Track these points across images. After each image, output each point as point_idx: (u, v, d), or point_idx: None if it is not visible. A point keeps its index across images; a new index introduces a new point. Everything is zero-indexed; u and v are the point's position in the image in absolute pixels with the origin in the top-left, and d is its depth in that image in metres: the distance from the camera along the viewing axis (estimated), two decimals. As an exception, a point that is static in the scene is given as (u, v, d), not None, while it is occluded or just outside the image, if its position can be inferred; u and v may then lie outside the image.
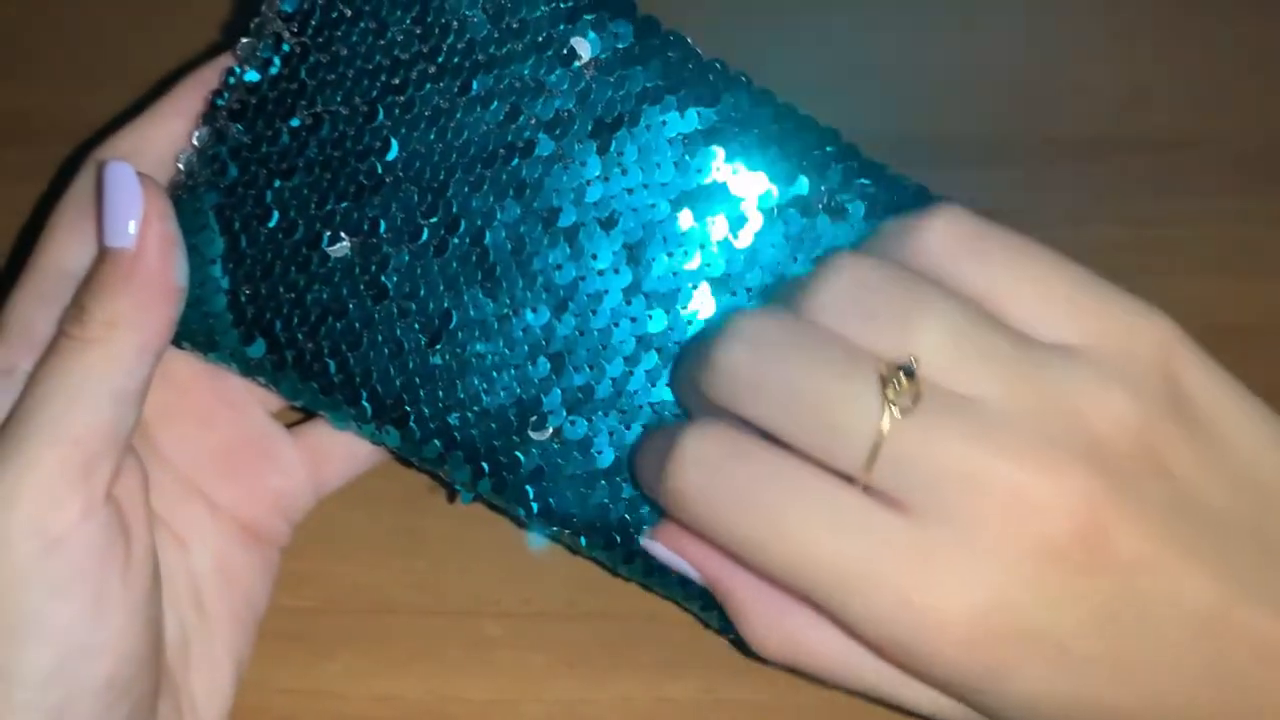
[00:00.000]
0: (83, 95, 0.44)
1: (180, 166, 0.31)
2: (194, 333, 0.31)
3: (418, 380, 0.31)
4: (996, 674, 0.26)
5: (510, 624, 0.36)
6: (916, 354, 0.26)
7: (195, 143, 0.31)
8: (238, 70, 0.31)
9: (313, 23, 0.31)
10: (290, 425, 0.35)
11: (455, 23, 0.31)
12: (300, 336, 0.31)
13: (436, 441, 0.31)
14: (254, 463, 0.34)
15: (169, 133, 0.31)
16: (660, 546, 0.30)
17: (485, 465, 0.32)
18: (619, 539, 0.32)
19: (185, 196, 0.31)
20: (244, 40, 0.31)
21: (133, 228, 0.29)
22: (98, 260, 0.29)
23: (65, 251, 0.30)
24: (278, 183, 0.31)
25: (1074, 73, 0.46)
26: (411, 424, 0.31)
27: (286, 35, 0.31)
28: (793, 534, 0.26)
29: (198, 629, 0.32)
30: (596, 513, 0.32)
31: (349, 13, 0.31)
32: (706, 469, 0.27)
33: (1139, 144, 0.45)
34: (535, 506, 0.32)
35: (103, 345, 0.28)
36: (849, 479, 0.26)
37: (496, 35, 0.31)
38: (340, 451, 0.35)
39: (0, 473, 0.27)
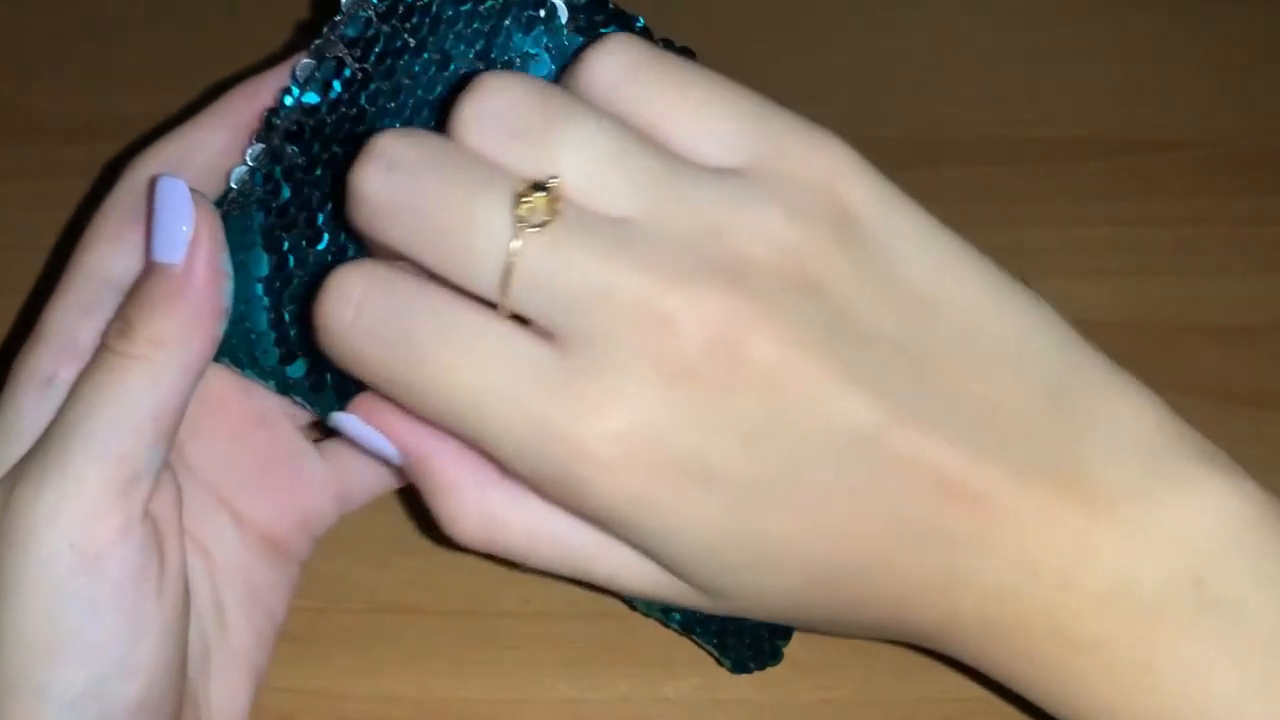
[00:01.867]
0: (86, 97, 0.44)
1: (232, 183, 0.31)
2: (234, 349, 0.31)
3: None
4: (650, 504, 0.25)
5: (510, 624, 0.37)
6: (558, 173, 0.25)
7: (249, 160, 0.31)
8: (295, 91, 0.31)
9: (376, 50, 0.31)
10: (317, 441, 0.35)
11: (518, 60, 0.31)
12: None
13: None
14: (282, 478, 0.34)
15: (214, 144, 0.31)
16: (353, 420, 0.28)
17: None
18: None
19: (235, 213, 0.31)
20: (303, 61, 0.31)
21: (183, 244, 0.28)
22: (144, 274, 0.29)
23: (107, 260, 0.30)
24: (330, 206, 0.31)
25: (1071, 74, 0.47)
26: None
27: (348, 61, 0.31)
28: (438, 368, 0.25)
29: (218, 640, 0.32)
30: None
31: (413, 43, 0.31)
32: (351, 305, 0.26)
33: (1136, 145, 0.45)
34: None
35: (147, 363, 0.28)
36: (494, 307, 0.25)
37: (557, 74, 0.30)
38: (366, 470, 0.35)
39: (42, 488, 0.27)
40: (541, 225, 0.24)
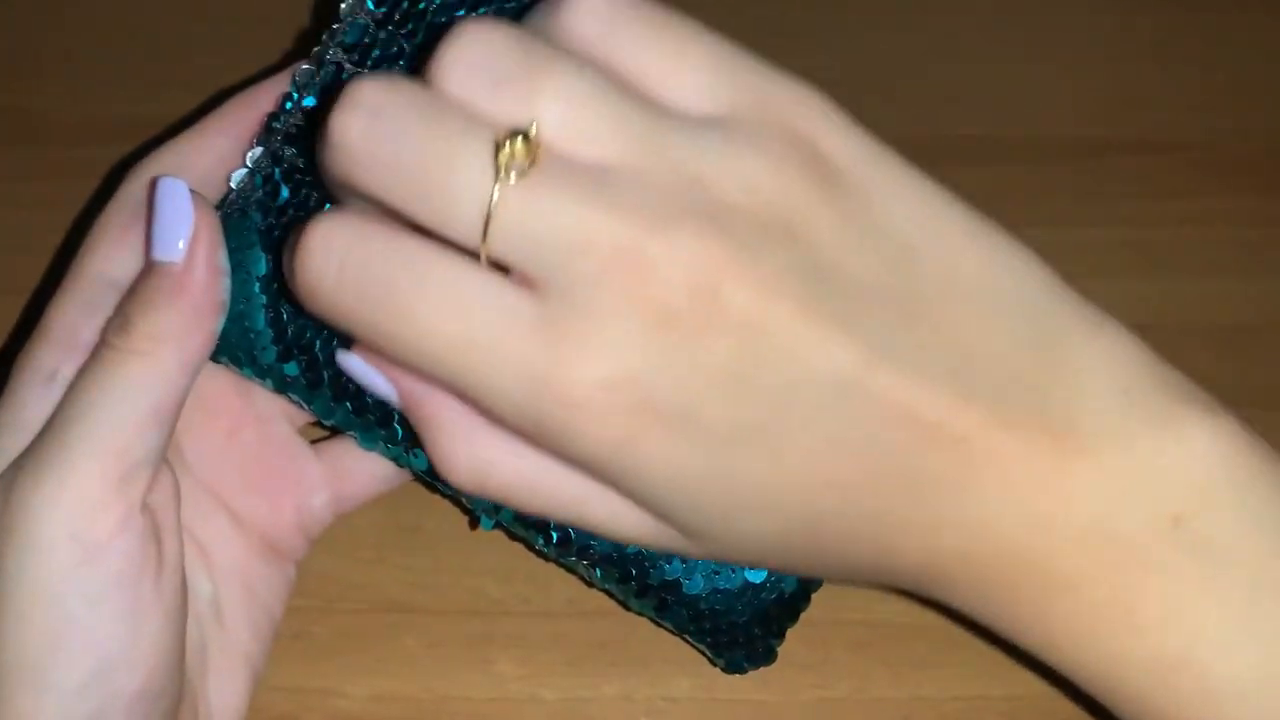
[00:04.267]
0: (87, 97, 0.44)
1: (232, 185, 0.31)
2: (232, 347, 0.31)
3: None
4: (632, 449, 0.25)
5: (510, 624, 0.37)
6: (539, 119, 0.25)
7: (249, 162, 0.31)
8: (295, 95, 0.31)
9: (373, 55, 0.31)
10: (314, 441, 0.36)
11: None
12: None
13: None
14: (277, 477, 0.34)
15: (216, 148, 0.32)
16: (355, 360, 0.29)
17: None
18: (634, 572, 0.32)
19: (235, 214, 0.31)
20: (303, 67, 0.31)
21: (182, 244, 0.29)
22: (144, 272, 0.29)
23: (108, 260, 0.30)
24: (329, 207, 0.31)
25: (1071, 74, 0.47)
26: None
27: (346, 66, 0.31)
28: (419, 317, 0.25)
29: (216, 637, 0.32)
30: (614, 545, 0.32)
31: (409, 48, 0.31)
32: (330, 255, 0.26)
33: (1136, 145, 0.45)
34: (555, 535, 0.32)
35: (146, 358, 0.28)
36: (475, 256, 0.25)
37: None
38: (362, 471, 0.35)
39: (41, 480, 0.27)
40: (521, 173, 0.24)
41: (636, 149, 0.25)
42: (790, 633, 0.34)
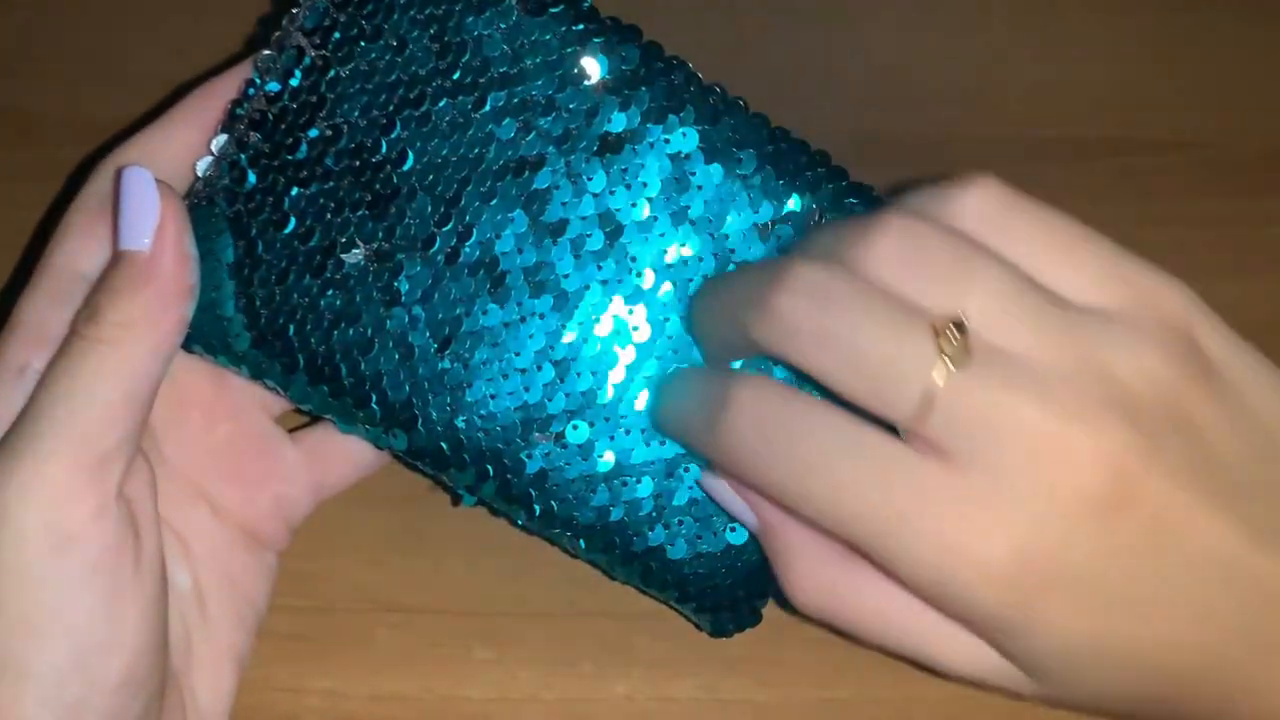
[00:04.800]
0: (86, 97, 0.44)
1: (198, 173, 0.32)
2: (205, 336, 0.32)
3: (427, 385, 0.32)
4: (1027, 611, 0.27)
5: (510, 624, 0.37)
6: (966, 311, 0.27)
7: (214, 150, 0.32)
8: (258, 81, 0.32)
9: (334, 37, 0.32)
10: (292, 430, 0.36)
11: (471, 41, 0.32)
12: (313, 341, 0.32)
13: (443, 445, 0.32)
14: (255, 466, 0.35)
15: (182, 140, 0.32)
16: (722, 485, 0.31)
17: (490, 469, 0.32)
18: (617, 541, 0.33)
19: (203, 202, 0.32)
20: (265, 53, 0.32)
21: (149, 231, 0.29)
22: (112, 262, 0.29)
23: (79, 253, 0.31)
24: (295, 190, 0.32)
25: (1071, 74, 0.47)
26: (419, 427, 0.32)
27: (308, 49, 0.32)
28: (842, 485, 0.27)
29: (200, 628, 0.33)
30: (596, 516, 0.32)
31: (369, 30, 0.32)
32: (760, 421, 0.28)
33: (1137, 145, 0.45)
34: (537, 509, 0.32)
35: (116, 345, 0.28)
36: (894, 431, 0.27)
37: (510, 54, 0.32)
38: (341, 456, 0.36)
39: (14, 470, 0.28)
40: (959, 361, 0.26)
41: (1051, 340, 0.27)
42: (790, 633, 0.34)
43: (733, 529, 0.33)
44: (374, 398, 0.32)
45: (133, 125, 0.33)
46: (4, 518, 0.27)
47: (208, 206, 0.32)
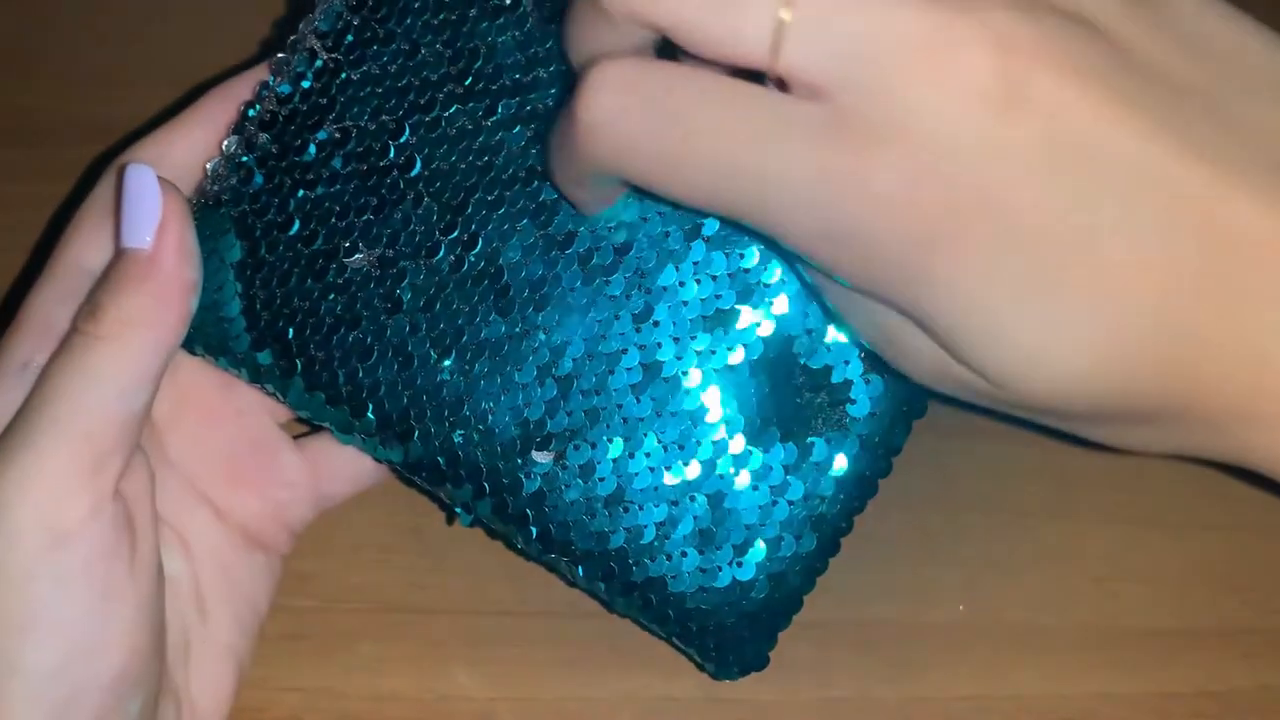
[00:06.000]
0: (88, 98, 0.44)
1: (207, 172, 0.32)
2: (207, 336, 0.31)
3: (425, 396, 0.31)
4: (935, 246, 0.24)
5: (510, 624, 0.37)
6: None
7: (224, 150, 0.32)
8: (271, 82, 0.32)
9: (347, 40, 0.31)
10: (297, 437, 0.36)
11: (484, 48, 0.31)
12: (312, 345, 0.31)
13: (440, 459, 0.32)
14: (257, 470, 0.34)
15: (193, 142, 0.32)
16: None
17: (487, 486, 0.32)
18: (616, 569, 0.32)
19: (209, 202, 0.31)
20: (279, 55, 0.32)
21: (151, 229, 0.29)
22: (114, 259, 0.29)
23: (86, 251, 0.31)
24: (301, 193, 0.31)
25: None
26: (416, 439, 0.32)
27: (321, 52, 0.31)
28: (707, 138, 0.25)
29: (199, 630, 0.32)
30: (595, 541, 0.32)
31: (382, 33, 0.31)
32: (617, 91, 0.25)
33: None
34: (534, 530, 0.32)
35: (116, 342, 0.28)
36: (759, 78, 0.24)
37: (524, 62, 0.31)
38: (344, 467, 0.35)
39: (10, 466, 0.27)
40: None
41: None
42: (790, 633, 0.34)
43: (739, 564, 0.32)
44: (371, 406, 0.31)
45: (143, 126, 0.33)
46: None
47: (214, 206, 0.31)
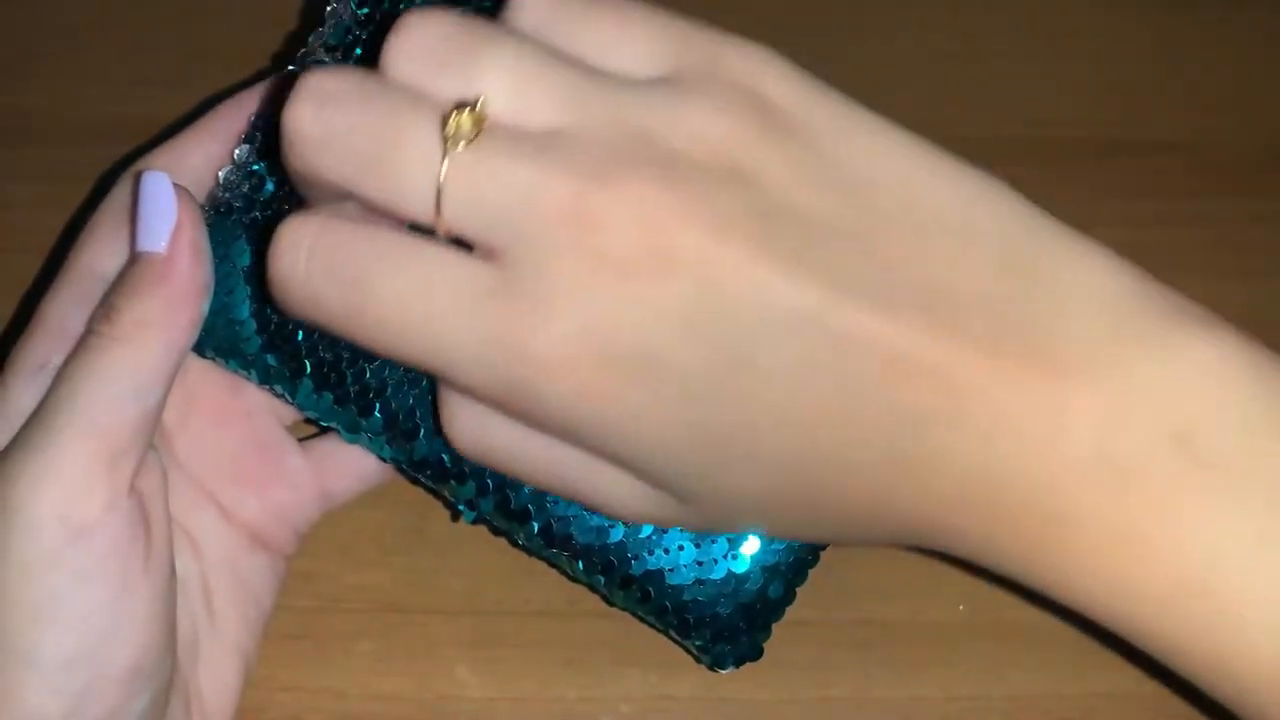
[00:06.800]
0: (90, 98, 0.44)
1: (219, 179, 0.32)
2: (218, 339, 0.32)
3: (431, 396, 0.31)
4: (602, 404, 0.25)
5: (510, 624, 0.37)
6: (484, 94, 0.25)
7: (235, 158, 0.32)
8: None
9: (356, 54, 0.32)
10: (302, 439, 0.36)
11: None
12: (320, 347, 0.32)
13: (444, 456, 0.32)
14: (264, 471, 0.35)
15: (206, 152, 0.33)
16: None
17: (490, 483, 0.32)
18: (615, 563, 0.32)
19: (222, 208, 0.32)
20: (289, 68, 0.32)
21: (166, 233, 0.29)
22: (129, 263, 0.30)
23: (100, 256, 0.31)
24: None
25: (1071, 74, 0.46)
26: (421, 438, 0.32)
27: (329, 63, 0.32)
28: (385, 300, 0.26)
29: (207, 628, 0.33)
30: (595, 536, 0.32)
31: None
32: (299, 250, 0.26)
33: (1135, 145, 0.45)
34: (535, 526, 0.32)
35: (131, 343, 0.29)
36: (431, 233, 0.25)
37: None
38: (348, 467, 0.36)
39: (29, 462, 0.28)
40: (468, 142, 0.25)
41: (581, 110, 0.25)
42: (790, 633, 0.34)
43: (734, 557, 0.32)
44: (378, 406, 0.32)
45: (143, 126, 0.33)
46: (17, 509, 0.28)
47: (226, 213, 0.32)
